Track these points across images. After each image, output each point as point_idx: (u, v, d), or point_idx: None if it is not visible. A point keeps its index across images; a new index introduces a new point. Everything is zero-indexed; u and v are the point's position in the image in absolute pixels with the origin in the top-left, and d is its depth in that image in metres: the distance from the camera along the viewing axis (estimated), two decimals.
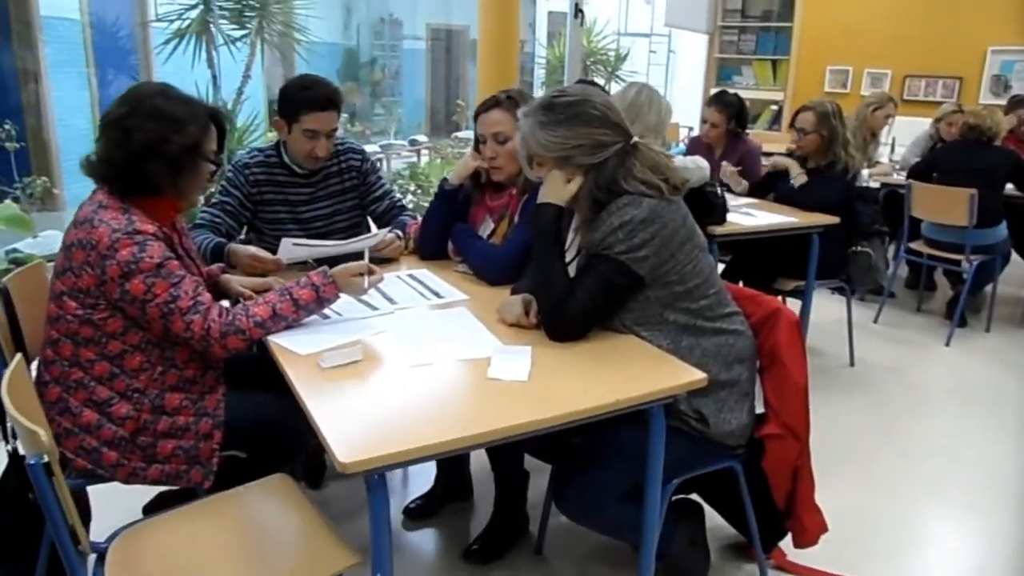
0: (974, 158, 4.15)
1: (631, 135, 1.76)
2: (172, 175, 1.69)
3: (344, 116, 10.01)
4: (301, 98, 2.34)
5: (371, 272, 1.82)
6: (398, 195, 2.72)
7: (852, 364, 3.84)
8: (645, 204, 1.67)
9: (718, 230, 2.98)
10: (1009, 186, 4.28)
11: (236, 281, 2.01)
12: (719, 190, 3.05)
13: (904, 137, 5.64)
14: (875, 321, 4.49)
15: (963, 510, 2.62)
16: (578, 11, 5.99)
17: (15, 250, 4.08)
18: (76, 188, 6.34)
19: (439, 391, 1.49)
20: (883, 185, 4.75)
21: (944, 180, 4.20)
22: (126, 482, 1.73)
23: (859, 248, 3.54)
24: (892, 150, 5.85)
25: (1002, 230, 4.22)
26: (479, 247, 2.17)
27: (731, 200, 3.55)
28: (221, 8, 5.79)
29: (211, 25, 5.73)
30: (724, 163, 3.78)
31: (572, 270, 1.78)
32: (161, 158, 1.66)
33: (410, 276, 2.19)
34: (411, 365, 1.58)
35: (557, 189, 1.74)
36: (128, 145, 1.64)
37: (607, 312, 1.74)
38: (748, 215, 3.24)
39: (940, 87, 7.14)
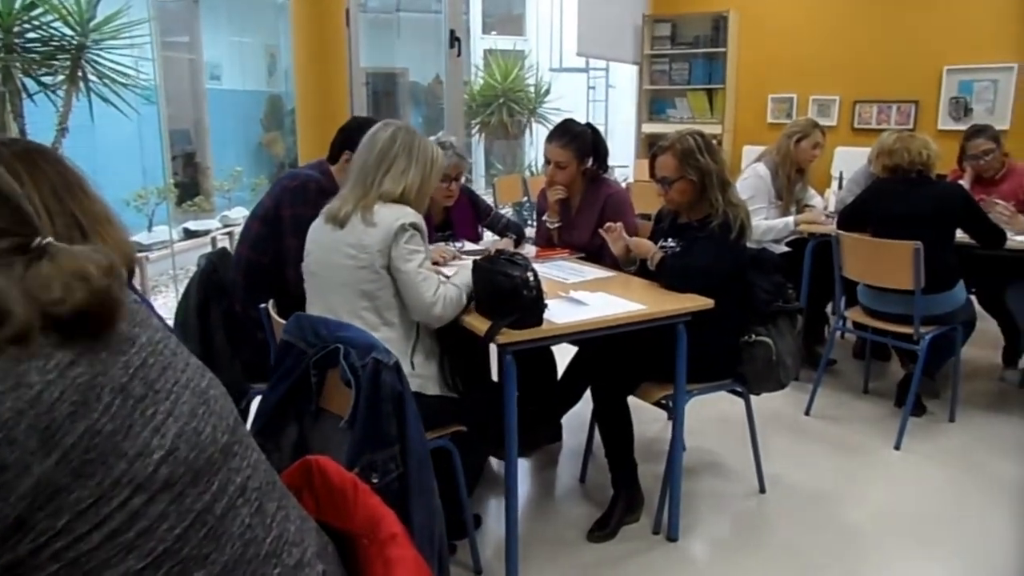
0: (911, 200, 3.17)
1: (32, 228, 0.76)
2: None
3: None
4: None
5: None
6: None
7: (763, 490, 2.80)
8: None
9: (507, 336, 1.94)
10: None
11: None
12: (528, 275, 1.99)
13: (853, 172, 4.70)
14: (807, 412, 3.47)
15: None
16: (454, 41, 5.13)
17: None
18: None
19: None
20: (811, 236, 3.77)
21: (878, 231, 3.21)
22: None
23: (754, 337, 2.52)
24: (840, 186, 4.91)
25: (960, 293, 3.21)
26: None
27: (556, 275, 2.56)
28: (27, 51, 4.84)
29: (13, 71, 4.79)
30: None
31: None
32: None
33: None
34: None
35: None
36: None
37: None
38: (575, 303, 2.21)
39: (894, 112, 6.29)
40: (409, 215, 2.09)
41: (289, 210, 2.42)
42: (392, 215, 2.07)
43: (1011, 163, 3.93)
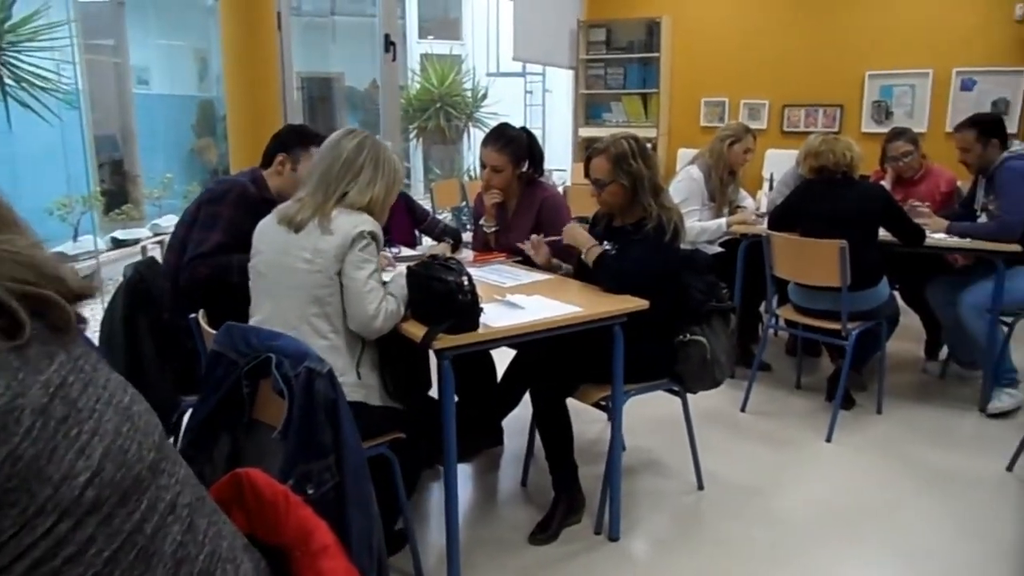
0: (836, 200, 3.28)
1: None
2: None
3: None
4: None
5: None
6: None
7: (701, 487, 2.85)
8: None
9: (444, 341, 1.94)
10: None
11: None
12: (462, 279, 1.99)
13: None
14: (742, 409, 3.55)
15: None
16: (389, 45, 5.10)
17: None
18: None
19: None
20: (743, 236, 3.86)
21: (807, 231, 3.32)
22: None
23: (689, 337, 2.57)
24: (771, 188, 5.04)
25: (884, 290, 3.34)
26: None
27: (493, 279, 2.57)
28: None
29: None
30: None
31: None
32: None
33: None
34: None
35: None
36: None
37: None
38: (511, 307, 2.22)
39: (821, 116, 6.50)
40: (368, 223, 2.07)
41: (207, 208, 2.38)
42: (351, 222, 2.04)
43: (928, 164, 4.11)
